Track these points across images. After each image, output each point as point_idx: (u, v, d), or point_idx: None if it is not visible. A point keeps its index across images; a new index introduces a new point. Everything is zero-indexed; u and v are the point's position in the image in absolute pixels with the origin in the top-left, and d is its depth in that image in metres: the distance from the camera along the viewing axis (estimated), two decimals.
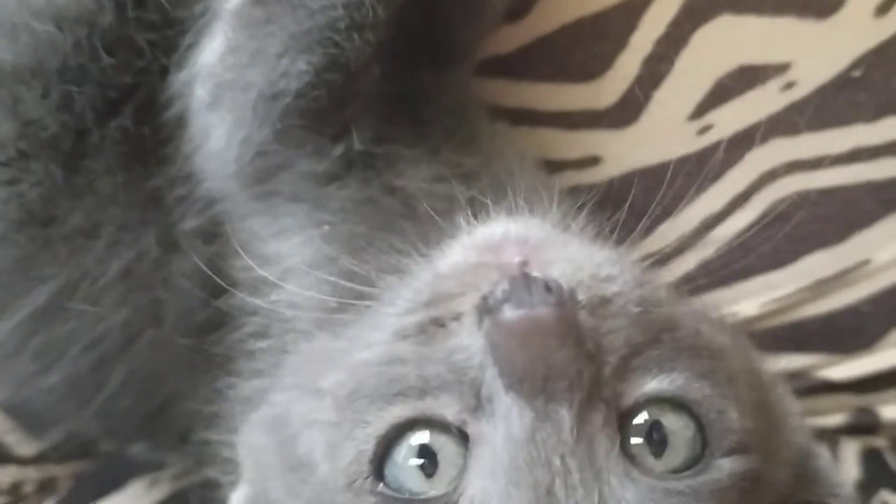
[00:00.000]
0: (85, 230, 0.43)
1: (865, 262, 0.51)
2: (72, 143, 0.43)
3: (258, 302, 0.41)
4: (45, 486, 0.61)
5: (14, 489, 0.60)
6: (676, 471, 0.31)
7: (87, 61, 0.42)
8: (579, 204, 0.41)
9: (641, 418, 0.31)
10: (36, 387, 0.47)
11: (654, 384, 0.31)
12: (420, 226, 0.40)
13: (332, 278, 0.38)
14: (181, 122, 0.43)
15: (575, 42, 0.48)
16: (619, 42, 0.47)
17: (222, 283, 0.41)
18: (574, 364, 0.29)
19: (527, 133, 0.49)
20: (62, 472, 0.61)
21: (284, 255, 0.41)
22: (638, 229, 0.43)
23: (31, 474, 0.60)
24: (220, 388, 0.43)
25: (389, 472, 0.31)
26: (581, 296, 0.30)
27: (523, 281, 0.30)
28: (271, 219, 0.42)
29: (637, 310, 0.31)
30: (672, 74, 0.48)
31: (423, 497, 0.30)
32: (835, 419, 0.55)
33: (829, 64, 0.48)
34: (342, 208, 0.40)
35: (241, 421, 0.40)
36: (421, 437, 0.31)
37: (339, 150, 0.40)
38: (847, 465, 0.55)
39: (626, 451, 0.30)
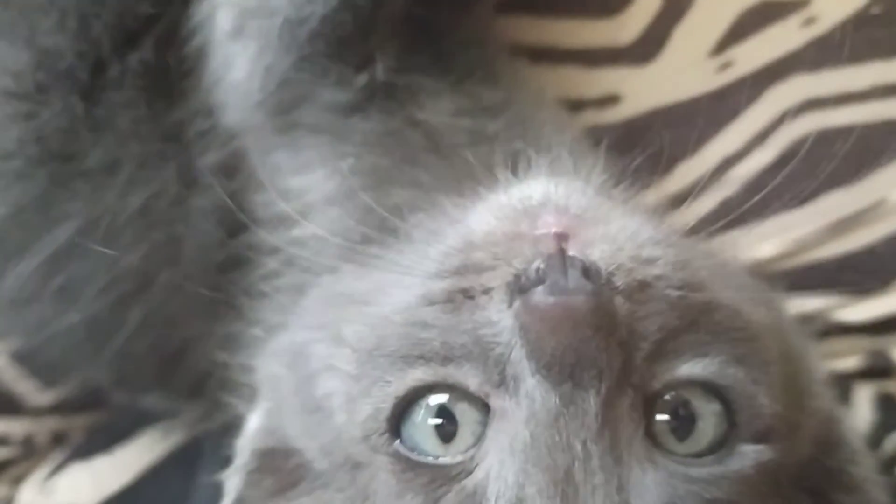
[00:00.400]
0: (105, 167, 0.43)
1: (882, 202, 0.51)
2: (90, 75, 0.43)
3: (279, 239, 0.41)
4: (58, 439, 0.61)
5: (27, 442, 0.60)
6: (700, 454, 0.30)
7: None
8: (621, 165, 0.40)
9: (669, 395, 0.30)
10: (54, 329, 0.46)
11: (686, 368, 0.31)
12: (443, 160, 0.40)
13: (355, 213, 0.38)
14: (203, 54, 0.43)
15: None
16: None
17: (244, 219, 0.41)
18: (605, 353, 0.28)
19: (547, 71, 0.49)
20: (75, 423, 0.61)
21: (306, 189, 0.41)
22: (657, 170, 0.44)
23: (44, 426, 0.60)
24: (239, 328, 0.43)
25: (406, 430, 0.31)
26: (619, 280, 0.29)
27: (559, 261, 0.29)
28: (294, 152, 0.41)
29: (677, 294, 0.30)
30: (693, 9, 0.48)
31: (437, 462, 0.30)
32: (849, 362, 0.56)
33: (849, 0, 0.48)
34: (365, 140, 0.40)
35: (261, 348, 0.40)
36: (441, 398, 0.31)
37: (362, 79, 0.40)
38: (860, 410, 0.55)
39: (649, 433, 0.30)
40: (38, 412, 0.59)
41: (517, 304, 0.29)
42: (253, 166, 0.43)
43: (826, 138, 0.50)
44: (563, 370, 0.28)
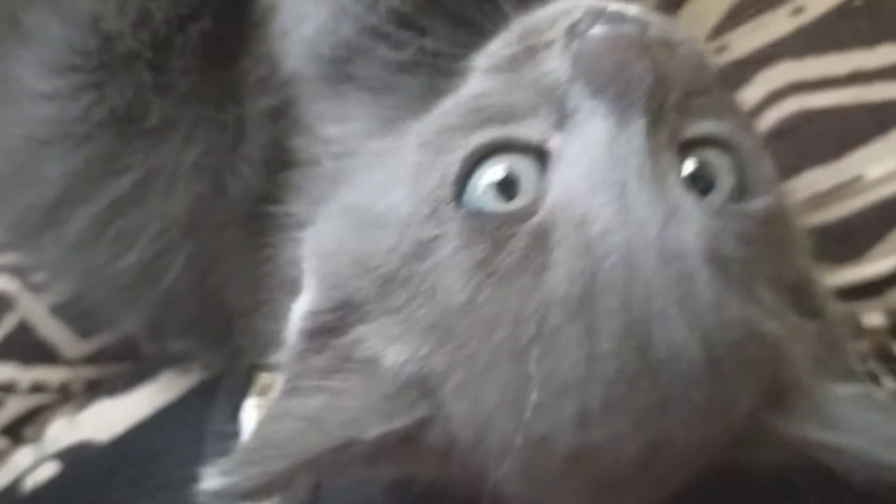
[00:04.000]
0: (164, 126, 0.47)
1: (858, 178, 0.55)
2: (153, 52, 0.46)
3: (314, 175, 0.44)
4: (92, 386, 0.65)
5: (62, 388, 0.64)
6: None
7: None
8: None
9: (693, 154, 0.34)
10: (106, 273, 0.50)
11: (709, 125, 0.35)
12: None
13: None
14: (269, 11, 0.46)
15: None
16: None
17: (286, 159, 0.45)
18: (650, 75, 0.33)
19: None
20: (108, 372, 0.65)
21: (345, 136, 0.44)
22: None
23: (79, 375, 0.64)
24: (270, 263, 0.46)
25: (469, 197, 0.33)
26: (654, 32, 0.34)
27: (607, 12, 0.34)
28: (339, 102, 0.45)
29: (697, 61, 0.36)
30: None
31: (502, 210, 0.33)
32: None
33: None
34: (410, 95, 0.43)
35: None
36: (500, 161, 0.34)
37: (414, 46, 0.43)
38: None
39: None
40: (73, 362, 0.63)
41: (576, 41, 0.34)
42: (299, 112, 0.46)
43: (809, 119, 0.55)
44: (616, 90, 0.32)
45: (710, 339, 0.30)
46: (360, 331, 0.35)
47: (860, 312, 0.61)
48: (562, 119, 0.33)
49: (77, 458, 0.58)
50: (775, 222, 0.35)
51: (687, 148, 0.34)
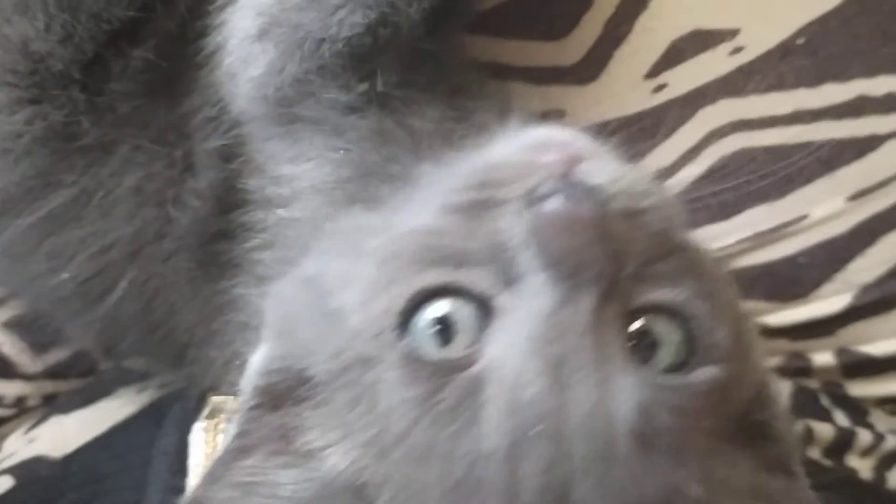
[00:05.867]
0: (101, 145, 0.47)
1: (803, 217, 0.55)
2: (83, 73, 0.47)
3: (266, 218, 0.46)
4: (48, 401, 0.65)
5: (19, 402, 0.65)
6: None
7: None
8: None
9: (640, 320, 0.34)
10: (45, 286, 0.51)
11: (662, 293, 0.35)
12: (420, 161, 0.43)
13: (336, 202, 0.43)
14: (216, 51, 0.47)
15: (545, 3, 0.52)
16: (585, 3, 0.52)
17: (236, 199, 0.45)
18: (601, 261, 0.33)
19: (499, 86, 0.53)
20: (64, 388, 0.66)
21: (297, 177, 0.45)
22: None
23: (36, 389, 0.65)
24: (223, 297, 0.47)
25: (412, 332, 0.34)
26: (617, 204, 0.34)
27: (569, 181, 0.34)
28: (291, 142, 0.46)
29: (661, 227, 0.35)
30: (631, 36, 0.52)
31: (439, 357, 0.34)
32: (771, 362, 0.60)
33: (776, 31, 0.52)
34: (359, 137, 0.44)
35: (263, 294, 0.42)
36: (441, 307, 0.34)
37: (363, 87, 0.44)
38: (780, 398, 0.60)
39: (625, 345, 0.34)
40: (30, 377, 0.64)
41: (532, 211, 0.34)
42: (251, 152, 0.47)
43: (752, 157, 0.54)
44: (566, 270, 0.32)
45: None
46: (304, 414, 0.37)
47: (809, 351, 0.60)
48: (510, 279, 0.34)
49: (30, 474, 0.58)
50: (722, 386, 0.35)
51: (636, 313, 0.35)
